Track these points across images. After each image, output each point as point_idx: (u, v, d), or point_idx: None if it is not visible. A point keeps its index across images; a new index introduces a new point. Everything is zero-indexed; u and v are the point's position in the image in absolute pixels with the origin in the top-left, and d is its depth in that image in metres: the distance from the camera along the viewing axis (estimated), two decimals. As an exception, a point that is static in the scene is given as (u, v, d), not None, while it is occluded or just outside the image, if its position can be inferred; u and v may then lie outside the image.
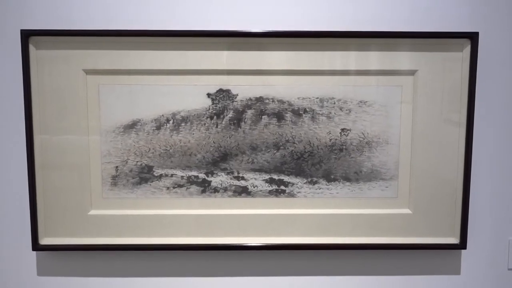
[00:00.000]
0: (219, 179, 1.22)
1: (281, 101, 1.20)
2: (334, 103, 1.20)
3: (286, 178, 1.23)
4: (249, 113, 1.20)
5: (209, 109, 1.20)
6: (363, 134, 1.22)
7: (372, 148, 1.22)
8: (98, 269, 1.27)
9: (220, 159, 1.21)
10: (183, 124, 1.20)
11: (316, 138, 1.21)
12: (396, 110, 1.21)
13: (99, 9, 1.18)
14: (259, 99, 1.20)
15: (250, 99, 1.20)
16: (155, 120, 1.20)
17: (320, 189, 1.23)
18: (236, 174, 1.22)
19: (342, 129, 1.21)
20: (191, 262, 1.28)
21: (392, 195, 1.24)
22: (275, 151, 1.22)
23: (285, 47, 1.17)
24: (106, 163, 1.21)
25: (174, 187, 1.22)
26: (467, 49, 1.18)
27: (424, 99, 1.20)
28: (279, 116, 1.20)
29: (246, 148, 1.21)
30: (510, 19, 1.21)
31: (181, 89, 1.19)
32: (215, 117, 1.20)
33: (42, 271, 1.27)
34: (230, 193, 1.23)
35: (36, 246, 1.21)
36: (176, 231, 1.23)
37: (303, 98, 1.20)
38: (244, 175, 1.22)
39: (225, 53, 1.18)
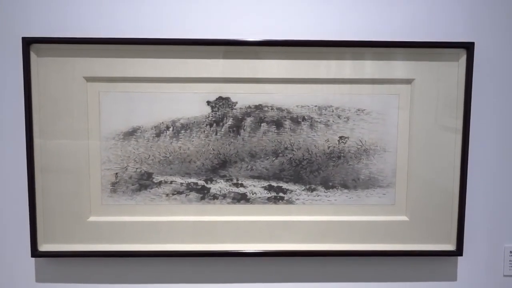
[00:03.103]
0: (218, 186, 1.23)
1: (280, 109, 1.21)
2: (332, 111, 1.22)
3: (284, 185, 1.24)
4: (248, 120, 1.21)
5: (209, 116, 1.21)
6: (360, 141, 1.23)
7: (369, 155, 1.23)
8: (97, 275, 1.27)
9: (219, 166, 1.22)
10: (182, 131, 1.21)
11: (315, 145, 1.23)
12: (393, 118, 1.23)
13: (100, 17, 1.19)
14: (258, 107, 1.21)
15: (249, 106, 1.21)
16: (155, 127, 1.20)
17: (318, 196, 1.24)
18: (235, 181, 1.23)
19: (340, 137, 1.23)
20: (190, 268, 1.28)
21: (390, 202, 1.25)
22: (274, 159, 1.23)
23: (284, 55, 1.19)
24: (106, 169, 1.21)
25: (173, 194, 1.23)
26: (463, 59, 1.20)
27: (420, 107, 1.22)
28: (278, 124, 1.22)
29: (245, 155, 1.22)
30: (505, 29, 1.23)
31: (181, 96, 1.20)
32: (214, 124, 1.21)
33: (40, 277, 1.27)
34: (229, 200, 1.24)
35: (35, 252, 1.21)
36: (175, 238, 1.24)
37: (302, 106, 1.21)
38: (243, 182, 1.23)
39: (224, 62, 1.19)
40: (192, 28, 1.20)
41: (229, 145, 1.22)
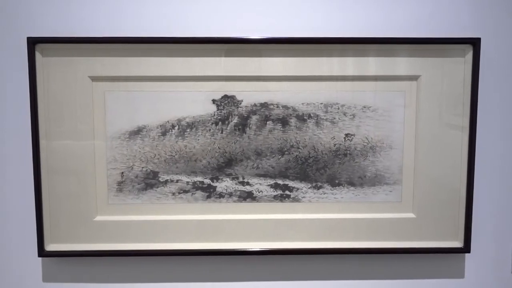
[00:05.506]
0: (224, 184, 1.23)
1: (285, 107, 1.21)
2: (338, 108, 1.21)
3: (290, 183, 1.24)
4: (254, 118, 1.21)
5: (214, 115, 1.21)
6: (367, 139, 1.23)
7: (376, 152, 1.23)
8: (103, 275, 1.28)
9: (225, 165, 1.22)
10: (188, 130, 1.21)
11: (321, 143, 1.22)
12: (399, 115, 1.22)
13: (105, 16, 1.19)
14: (264, 105, 1.21)
15: (254, 104, 1.21)
16: (160, 126, 1.20)
17: (324, 194, 1.24)
18: (241, 180, 1.23)
19: (346, 134, 1.22)
20: (196, 267, 1.28)
21: (396, 199, 1.25)
22: (279, 156, 1.22)
23: (290, 53, 1.18)
24: (111, 169, 1.21)
25: (179, 193, 1.23)
26: (469, 55, 1.19)
27: (427, 104, 1.21)
28: (283, 122, 1.21)
29: (251, 154, 1.22)
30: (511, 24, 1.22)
31: (186, 95, 1.20)
32: (220, 123, 1.21)
33: (47, 277, 1.27)
34: (235, 198, 1.24)
35: (42, 252, 1.21)
36: (182, 237, 1.24)
37: (307, 104, 1.21)
38: (249, 180, 1.23)
39: (229, 60, 1.19)
40: (196, 27, 1.20)
41: (234, 143, 1.22)
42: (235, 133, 1.21)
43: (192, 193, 1.23)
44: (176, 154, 1.21)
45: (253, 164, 1.22)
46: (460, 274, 1.31)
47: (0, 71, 1.20)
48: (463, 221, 1.24)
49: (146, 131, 1.20)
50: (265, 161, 1.22)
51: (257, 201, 1.24)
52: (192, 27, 1.20)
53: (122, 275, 1.28)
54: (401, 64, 1.20)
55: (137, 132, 1.20)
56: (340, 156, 1.23)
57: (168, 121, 1.20)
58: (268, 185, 1.23)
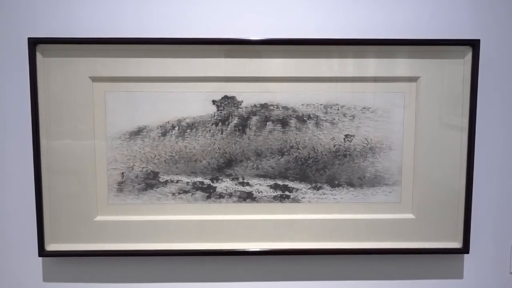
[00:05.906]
0: (224, 185, 1.23)
1: (285, 108, 1.21)
2: (338, 109, 1.21)
3: (290, 184, 1.24)
4: (254, 119, 1.21)
5: (214, 115, 1.21)
6: (366, 140, 1.23)
7: (375, 153, 1.23)
8: (104, 275, 1.28)
9: (225, 165, 1.22)
10: (188, 131, 1.21)
11: (320, 144, 1.22)
12: (399, 116, 1.22)
13: (105, 17, 1.19)
14: (264, 106, 1.21)
15: (254, 105, 1.21)
16: (160, 126, 1.21)
17: (324, 194, 1.24)
18: (241, 180, 1.23)
19: (346, 135, 1.23)
20: (196, 267, 1.29)
21: (396, 200, 1.25)
22: (279, 157, 1.23)
23: (290, 54, 1.19)
24: (112, 169, 1.22)
25: (179, 193, 1.23)
26: (469, 56, 1.20)
27: (426, 105, 1.22)
28: (283, 123, 1.22)
29: (251, 154, 1.22)
30: (511, 26, 1.23)
31: (186, 96, 1.20)
32: (220, 123, 1.21)
33: (48, 277, 1.28)
34: (235, 198, 1.24)
35: (42, 252, 1.22)
36: (182, 237, 1.24)
37: (307, 105, 1.21)
38: (249, 181, 1.23)
39: (229, 61, 1.19)
40: (196, 27, 1.20)
41: (234, 144, 1.22)
42: (235, 134, 1.21)
43: (192, 194, 1.23)
44: (176, 155, 1.22)
45: (253, 165, 1.23)
46: (459, 275, 1.32)
47: (1, 71, 1.20)
48: (462, 222, 1.25)
49: (147, 132, 1.21)
50: (265, 161, 1.23)
51: (257, 202, 1.24)
52: (192, 27, 1.20)
53: (122, 275, 1.28)
54: (400, 65, 1.21)
55: (138, 132, 1.21)
56: (339, 157, 1.23)
57: (168, 122, 1.20)
58: (268, 185, 1.24)
